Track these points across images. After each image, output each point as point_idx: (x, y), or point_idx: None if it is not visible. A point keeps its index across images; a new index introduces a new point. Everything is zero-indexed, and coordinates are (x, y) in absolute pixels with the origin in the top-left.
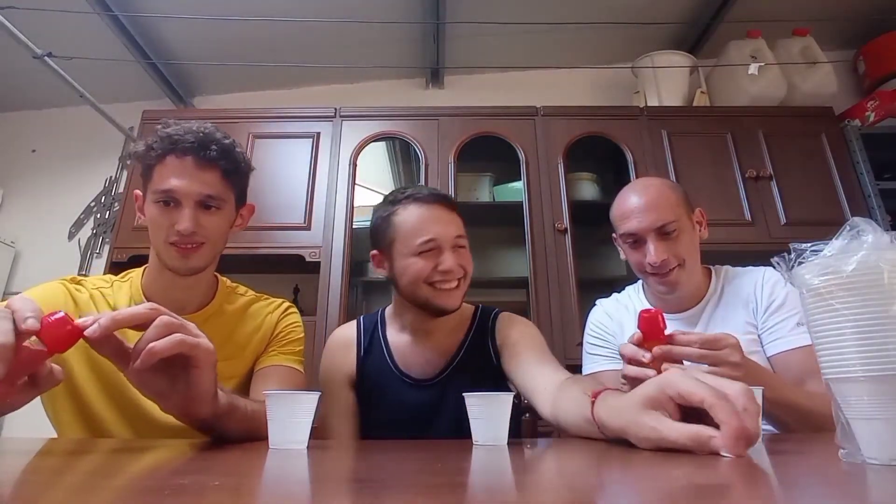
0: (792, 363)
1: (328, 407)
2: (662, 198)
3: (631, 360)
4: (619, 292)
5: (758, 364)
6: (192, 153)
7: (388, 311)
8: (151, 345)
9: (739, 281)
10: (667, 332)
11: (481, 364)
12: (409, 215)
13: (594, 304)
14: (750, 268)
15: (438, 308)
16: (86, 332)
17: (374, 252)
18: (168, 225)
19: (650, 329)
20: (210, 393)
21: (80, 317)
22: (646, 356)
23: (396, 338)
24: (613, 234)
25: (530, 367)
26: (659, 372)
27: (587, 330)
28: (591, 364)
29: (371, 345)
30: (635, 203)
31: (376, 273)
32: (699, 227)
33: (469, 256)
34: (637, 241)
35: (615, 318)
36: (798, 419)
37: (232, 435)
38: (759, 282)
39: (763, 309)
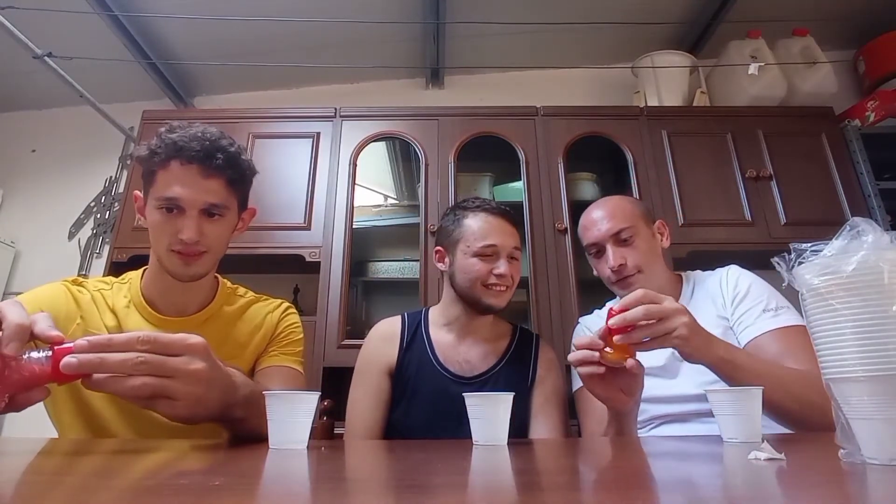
0: (763, 347)
1: (361, 392)
2: (618, 209)
3: (581, 348)
4: (600, 308)
5: (716, 337)
6: (198, 161)
7: (433, 309)
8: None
9: (706, 282)
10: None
11: (518, 379)
12: (477, 220)
13: (577, 323)
14: (717, 269)
15: (487, 306)
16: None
17: (439, 248)
18: (171, 232)
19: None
20: (186, 418)
21: (80, 318)
22: (597, 338)
23: (439, 335)
24: (587, 254)
25: (544, 429)
26: (623, 357)
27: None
28: (579, 380)
29: (414, 339)
30: (594, 216)
31: (438, 266)
32: (661, 238)
33: (520, 267)
34: (599, 250)
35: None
36: (776, 387)
37: (247, 434)
38: (724, 277)
39: (730, 301)
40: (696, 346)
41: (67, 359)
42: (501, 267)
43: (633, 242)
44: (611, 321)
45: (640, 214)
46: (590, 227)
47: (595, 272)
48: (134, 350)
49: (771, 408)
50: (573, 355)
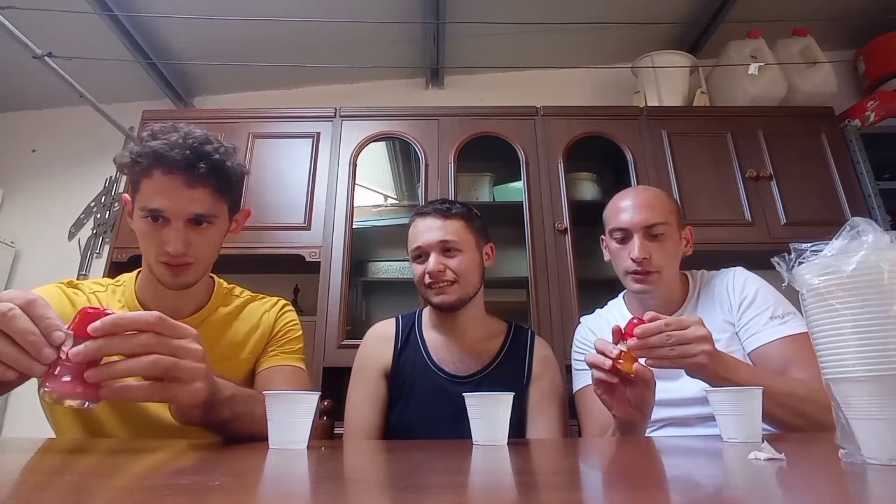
0: (770, 356)
1: (358, 394)
2: (657, 201)
3: (599, 352)
4: (601, 307)
5: (724, 353)
6: (180, 171)
7: (427, 310)
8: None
9: (713, 283)
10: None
11: (513, 377)
12: (412, 227)
13: (579, 322)
14: (722, 269)
15: (436, 305)
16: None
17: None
18: (157, 242)
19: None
20: (190, 405)
21: None
22: (613, 351)
23: (431, 335)
24: (602, 236)
25: (541, 426)
26: (631, 367)
27: (573, 347)
28: (580, 380)
29: (408, 340)
30: (631, 201)
31: None
32: (685, 243)
33: (463, 261)
34: (625, 237)
35: (598, 332)
36: (776, 403)
37: (238, 435)
38: (730, 281)
39: (736, 306)
40: (707, 372)
41: (81, 347)
42: (429, 265)
43: (662, 240)
44: (629, 342)
45: (675, 214)
46: (623, 211)
47: (606, 257)
48: (147, 327)
49: (767, 419)
50: (589, 356)
